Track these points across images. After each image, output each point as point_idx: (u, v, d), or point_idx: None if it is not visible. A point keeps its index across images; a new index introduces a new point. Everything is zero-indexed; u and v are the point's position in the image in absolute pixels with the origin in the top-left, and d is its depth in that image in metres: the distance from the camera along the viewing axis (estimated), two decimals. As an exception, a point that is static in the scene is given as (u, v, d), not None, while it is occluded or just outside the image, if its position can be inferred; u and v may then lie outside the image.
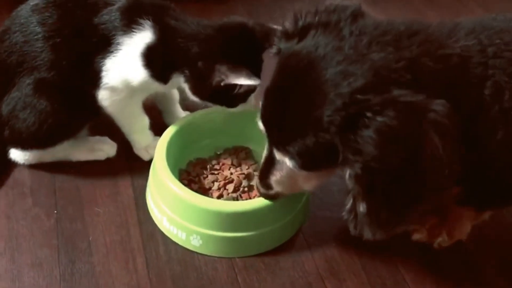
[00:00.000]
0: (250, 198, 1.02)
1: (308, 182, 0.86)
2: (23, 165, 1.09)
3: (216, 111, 1.10)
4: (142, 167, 1.10)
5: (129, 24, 0.99)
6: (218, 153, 1.12)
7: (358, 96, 0.68)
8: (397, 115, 0.66)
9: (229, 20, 1.03)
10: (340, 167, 0.73)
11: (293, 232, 1.01)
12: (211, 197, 1.02)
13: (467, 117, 0.74)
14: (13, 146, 1.07)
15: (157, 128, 1.12)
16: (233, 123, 1.11)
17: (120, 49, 0.99)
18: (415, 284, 0.94)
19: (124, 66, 0.99)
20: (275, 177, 0.87)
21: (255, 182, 1.00)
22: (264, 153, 0.87)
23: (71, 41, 0.99)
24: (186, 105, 1.21)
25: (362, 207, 0.72)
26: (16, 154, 1.07)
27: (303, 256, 0.97)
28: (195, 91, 1.03)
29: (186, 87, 1.04)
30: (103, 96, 1.02)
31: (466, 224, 0.98)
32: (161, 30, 0.99)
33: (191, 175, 1.07)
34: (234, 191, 1.03)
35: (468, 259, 0.98)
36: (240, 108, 1.05)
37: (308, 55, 0.73)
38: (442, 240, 0.98)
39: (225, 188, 1.04)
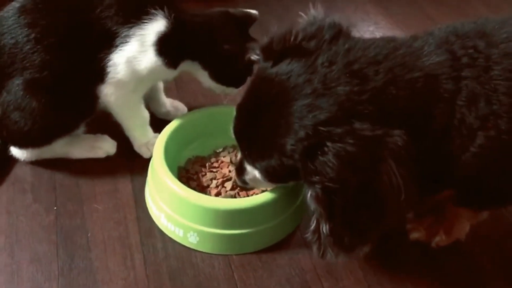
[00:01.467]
0: (248, 196, 1.02)
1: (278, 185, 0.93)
2: (24, 162, 1.10)
3: (215, 108, 1.10)
4: (141, 164, 1.10)
5: (138, 15, 0.99)
6: (217, 151, 1.13)
7: (321, 128, 0.71)
8: (356, 143, 0.69)
9: (214, 10, 1.07)
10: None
11: (290, 229, 1.01)
12: (209, 194, 1.02)
13: (441, 131, 0.75)
14: (11, 144, 1.07)
15: (157, 126, 1.12)
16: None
17: (127, 42, 0.99)
18: (413, 283, 0.94)
19: (134, 57, 0.99)
20: (248, 177, 0.91)
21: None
22: (239, 154, 0.91)
23: (67, 40, 0.99)
24: (182, 96, 1.24)
25: (325, 228, 0.74)
26: (16, 151, 1.08)
27: (300, 253, 0.97)
28: (217, 75, 1.06)
29: (202, 73, 1.06)
30: (108, 91, 1.03)
31: (464, 223, 0.98)
32: (175, 18, 1.00)
33: (190, 172, 1.07)
34: (232, 189, 1.04)
35: (466, 258, 0.98)
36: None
37: (280, 84, 0.76)
38: (439, 239, 0.98)
39: (223, 186, 1.04)
